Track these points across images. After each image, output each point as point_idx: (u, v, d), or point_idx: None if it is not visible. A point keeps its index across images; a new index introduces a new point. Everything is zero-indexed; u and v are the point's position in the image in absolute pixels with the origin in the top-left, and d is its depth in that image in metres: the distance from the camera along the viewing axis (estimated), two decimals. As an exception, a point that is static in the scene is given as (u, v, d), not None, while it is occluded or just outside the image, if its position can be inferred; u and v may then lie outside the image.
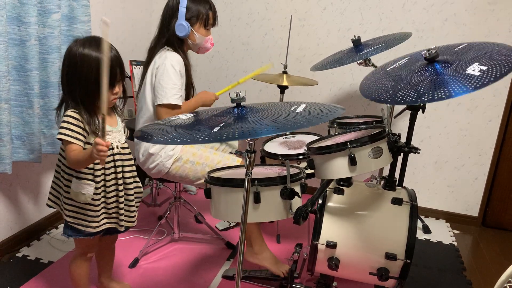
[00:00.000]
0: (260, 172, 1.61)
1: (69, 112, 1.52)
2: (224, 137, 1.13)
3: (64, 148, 1.55)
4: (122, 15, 2.87)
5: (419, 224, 2.83)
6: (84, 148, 1.54)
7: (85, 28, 2.20)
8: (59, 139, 1.52)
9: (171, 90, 1.97)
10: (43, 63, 2.04)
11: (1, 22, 1.77)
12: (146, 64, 2.12)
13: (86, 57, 1.49)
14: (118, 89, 1.58)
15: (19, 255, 2.21)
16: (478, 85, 1.22)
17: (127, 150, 1.68)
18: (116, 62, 1.54)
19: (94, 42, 1.52)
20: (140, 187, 1.74)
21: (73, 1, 2.14)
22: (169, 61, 1.99)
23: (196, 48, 2.14)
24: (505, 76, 1.22)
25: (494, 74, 1.23)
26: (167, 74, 1.97)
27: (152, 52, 2.10)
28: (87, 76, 1.50)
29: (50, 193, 1.70)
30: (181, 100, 2.03)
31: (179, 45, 2.08)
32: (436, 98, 1.26)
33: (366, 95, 1.52)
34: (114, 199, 1.66)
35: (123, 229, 1.71)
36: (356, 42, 2.29)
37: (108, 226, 1.68)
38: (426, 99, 1.28)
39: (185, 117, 1.43)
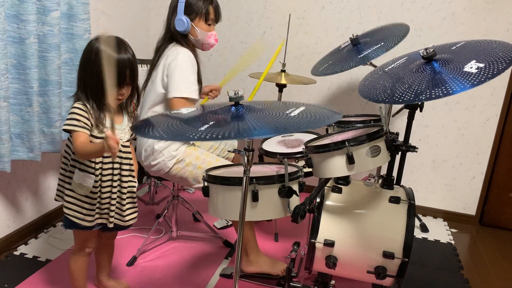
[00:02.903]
0: (258, 170, 1.61)
1: (75, 105, 1.57)
2: (208, 136, 1.13)
3: (71, 139, 1.58)
4: (121, 13, 2.86)
5: (417, 222, 2.84)
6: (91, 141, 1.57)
7: (84, 26, 2.19)
8: (65, 130, 1.55)
9: (183, 84, 1.97)
10: (42, 61, 2.03)
11: (0, 20, 1.77)
12: (153, 62, 2.12)
13: (101, 54, 1.52)
14: (124, 91, 1.60)
15: (16, 253, 2.21)
16: (475, 82, 1.22)
17: (128, 149, 1.70)
18: (128, 64, 1.57)
19: (115, 42, 1.55)
20: (134, 186, 1.74)
21: (72, -1, 2.14)
22: (181, 57, 2.00)
23: (200, 44, 2.12)
24: (502, 72, 1.23)
25: (492, 71, 1.23)
26: (179, 69, 1.98)
27: (159, 50, 2.10)
28: (98, 72, 1.52)
29: (57, 188, 1.72)
30: (197, 93, 2.03)
31: (184, 41, 2.08)
32: (434, 96, 1.26)
33: (365, 96, 1.52)
34: (107, 194, 1.67)
35: (112, 225, 1.71)
36: (355, 41, 2.29)
37: (99, 221, 1.70)
38: (424, 98, 1.28)
39: (185, 111, 1.42)
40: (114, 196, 1.68)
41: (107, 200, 1.68)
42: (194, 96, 2.00)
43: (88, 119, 1.56)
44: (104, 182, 1.65)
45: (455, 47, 1.55)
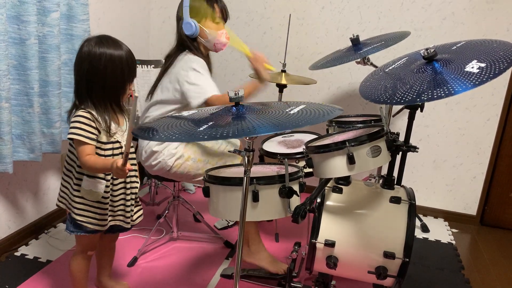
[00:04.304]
0: (258, 171, 1.61)
1: (80, 112, 1.54)
2: (218, 136, 1.13)
3: (75, 148, 1.56)
4: (120, 14, 2.86)
5: (418, 222, 2.84)
6: (96, 147, 1.56)
7: (84, 26, 2.19)
8: (70, 138, 1.54)
9: (205, 86, 1.96)
10: (42, 62, 2.03)
11: (1, 21, 1.77)
12: (163, 70, 2.10)
13: (109, 56, 1.52)
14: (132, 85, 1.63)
15: (17, 254, 2.21)
16: (477, 82, 1.21)
17: (132, 149, 1.69)
18: (133, 57, 1.59)
19: (111, 41, 1.56)
20: (137, 187, 1.75)
21: (72, 0, 2.13)
22: (196, 64, 1.99)
23: (211, 45, 2.10)
24: (504, 72, 1.22)
25: (493, 71, 1.23)
26: (195, 74, 1.96)
27: (170, 58, 2.09)
28: (113, 74, 1.53)
29: (59, 193, 1.71)
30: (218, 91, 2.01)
31: (195, 47, 2.07)
32: (436, 96, 1.26)
33: (366, 97, 1.52)
34: (121, 196, 1.68)
35: (129, 226, 1.73)
36: (355, 41, 2.29)
37: (112, 223, 1.70)
38: (425, 98, 1.28)
39: (186, 113, 1.42)
40: (128, 198, 1.69)
41: (121, 202, 1.68)
42: (217, 92, 1.99)
43: (95, 127, 1.54)
44: (115, 185, 1.65)
45: (455, 47, 1.55)
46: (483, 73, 1.24)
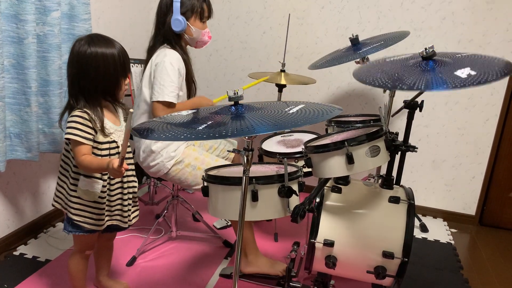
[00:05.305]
0: (258, 170, 1.61)
1: (76, 112, 1.54)
2: (217, 135, 1.13)
3: (72, 148, 1.56)
4: (120, 14, 2.86)
5: (417, 222, 2.84)
6: (93, 147, 1.56)
7: (85, 26, 2.19)
8: (67, 139, 1.53)
9: (168, 88, 1.96)
10: (43, 61, 2.03)
11: (-3, 20, 1.77)
12: (145, 63, 2.11)
13: (101, 54, 1.52)
14: (128, 79, 1.63)
15: (16, 253, 2.21)
16: (458, 86, 1.21)
17: (129, 149, 1.70)
18: (126, 53, 1.60)
19: (102, 39, 1.56)
20: (135, 186, 1.75)
21: (73, -1, 2.14)
22: (168, 59, 1.98)
23: (194, 42, 2.13)
24: (488, 83, 1.21)
25: (479, 80, 1.22)
26: (165, 72, 1.97)
27: (151, 51, 2.10)
28: (105, 72, 1.54)
29: (55, 193, 1.71)
30: (177, 99, 2.01)
31: (176, 41, 2.07)
32: (412, 85, 1.25)
33: (361, 80, 1.51)
34: (118, 196, 1.68)
35: (126, 225, 1.74)
36: (354, 41, 2.29)
37: (109, 223, 1.70)
38: (401, 85, 1.27)
39: (185, 113, 1.43)
40: (125, 197, 1.69)
41: (118, 202, 1.68)
42: (174, 101, 1.99)
43: (91, 127, 1.54)
44: (112, 185, 1.65)
45: (460, 55, 1.55)
46: (469, 80, 1.24)
